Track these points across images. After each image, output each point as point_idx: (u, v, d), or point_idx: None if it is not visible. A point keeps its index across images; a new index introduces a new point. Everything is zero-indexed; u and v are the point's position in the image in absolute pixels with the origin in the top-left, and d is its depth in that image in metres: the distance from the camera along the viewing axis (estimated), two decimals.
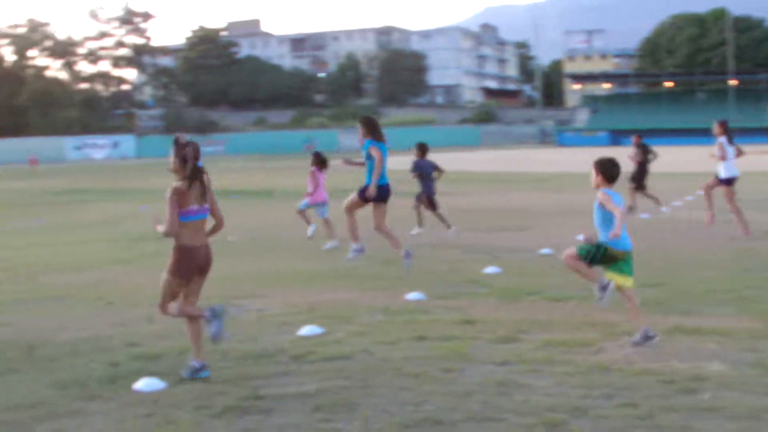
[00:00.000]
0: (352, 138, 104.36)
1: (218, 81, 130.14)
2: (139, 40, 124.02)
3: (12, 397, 7.83)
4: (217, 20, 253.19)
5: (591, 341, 9.05)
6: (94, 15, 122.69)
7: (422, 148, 19.27)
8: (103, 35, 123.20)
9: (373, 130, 14.05)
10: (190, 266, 8.31)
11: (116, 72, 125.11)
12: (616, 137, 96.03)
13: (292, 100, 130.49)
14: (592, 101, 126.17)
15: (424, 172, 18.99)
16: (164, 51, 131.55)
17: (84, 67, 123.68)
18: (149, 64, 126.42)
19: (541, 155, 75.08)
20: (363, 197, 13.97)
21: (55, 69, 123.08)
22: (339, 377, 8.00)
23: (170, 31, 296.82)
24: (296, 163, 66.37)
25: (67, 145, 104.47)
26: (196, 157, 8.18)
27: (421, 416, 6.86)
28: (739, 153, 18.09)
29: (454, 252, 16.22)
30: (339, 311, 10.91)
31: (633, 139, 23.94)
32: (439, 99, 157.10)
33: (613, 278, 8.99)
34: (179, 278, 8.31)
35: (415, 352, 8.80)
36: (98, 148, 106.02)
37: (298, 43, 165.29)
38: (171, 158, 8.14)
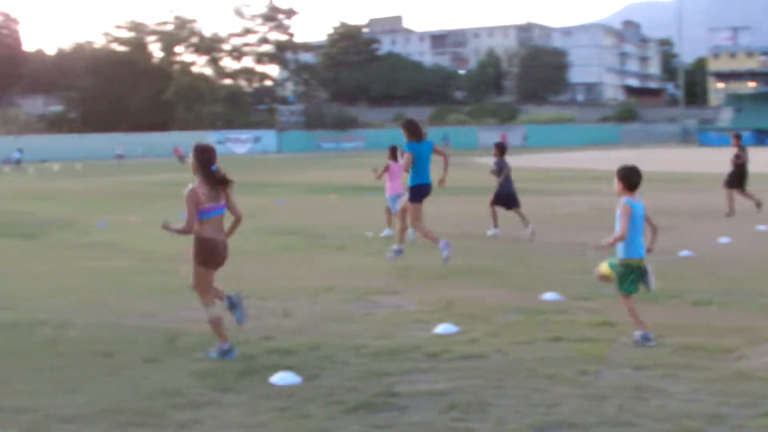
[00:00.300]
0: (490, 135, 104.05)
1: (358, 77, 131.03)
2: (282, 37, 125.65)
3: (152, 385, 8.00)
4: (359, 17, 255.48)
5: (731, 347, 8.77)
6: (238, 12, 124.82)
7: (500, 148, 19.52)
8: (247, 32, 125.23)
9: (414, 132, 14.60)
10: (215, 256, 9.05)
11: (259, 68, 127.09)
12: (761, 137, 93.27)
13: (432, 97, 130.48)
14: (736, 100, 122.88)
15: (504, 171, 19.15)
16: (306, 47, 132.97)
17: (228, 63, 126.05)
18: (291, 61, 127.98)
19: (682, 155, 73.46)
20: (412, 200, 14.63)
21: (200, 65, 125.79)
22: (473, 376, 7.93)
23: (312, 27, 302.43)
24: (433, 158, 66.40)
25: (211, 139, 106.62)
26: (211, 161, 8.95)
27: (554, 419, 6.74)
28: None
29: (593, 252, 15.93)
30: (475, 310, 10.82)
31: (732, 140, 23.08)
32: (580, 97, 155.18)
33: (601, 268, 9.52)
34: (206, 267, 9.04)
35: (550, 353, 8.67)
36: (240, 142, 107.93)
37: (438, 39, 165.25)
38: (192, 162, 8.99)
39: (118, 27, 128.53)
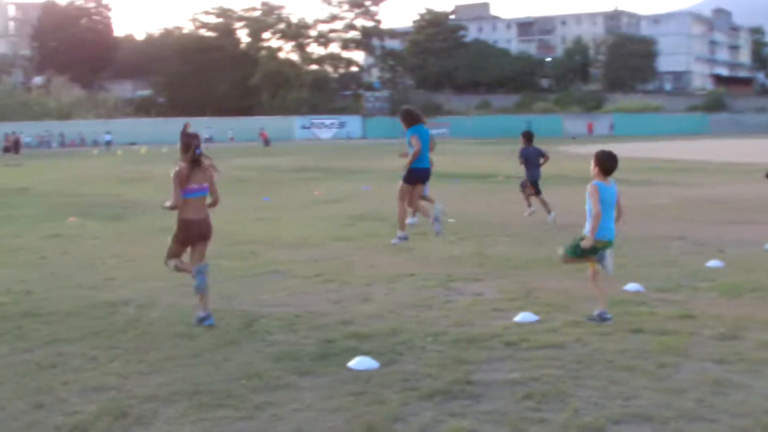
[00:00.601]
0: (575, 123, 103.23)
1: (444, 64, 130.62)
2: (369, 23, 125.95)
3: (231, 367, 8.09)
4: (445, 3, 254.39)
5: None
6: None
7: (527, 137, 19.93)
8: (333, 18, 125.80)
9: (411, 120, 15.44)
10: (189, 235, 10.09)
11: (345, 54, 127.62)
12: None
13: (517, 85, 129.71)
14: None
15: (529, 159, 19.68)
16: (392, 34, 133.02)
17: (314, 49, 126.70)
18: (377, 47, 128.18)
19: None
20: (406, 181, 15.40)
21: (286, 51, 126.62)
22: (551, 366, 7.87)
23: (398, 13, 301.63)
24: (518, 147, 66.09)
25: (296, 124, 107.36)
26: (197, 146, 9.95)
27: (631, 411, 6.66)
28: None
29: (677, 244, 15.72)
30: (555, 299, 10.74)
31: None
32: (668, 86, 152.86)
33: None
34: (178, 244, 10.19)
35: (630, 345, 8.56)
36: (325, 128, 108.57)
37: (525, 27, 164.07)
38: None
39: (207, 13, 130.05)
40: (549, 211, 19.19)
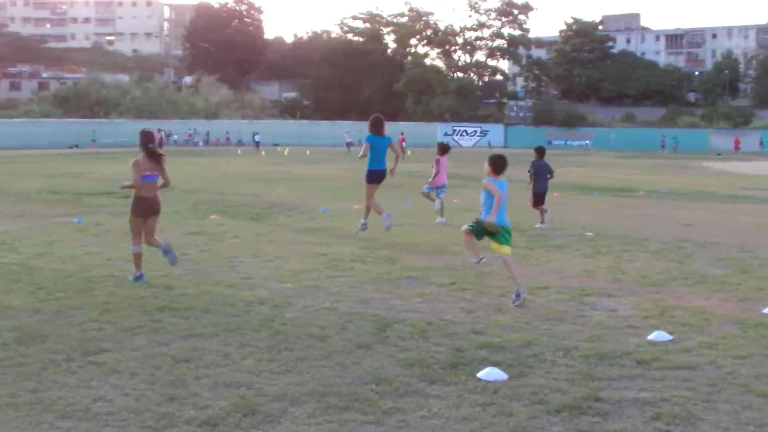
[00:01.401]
0: (722, 139, 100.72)
1: (590, 75, 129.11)
2: (516, 32, 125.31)
3: (361, 370, 8.16)
4: (593, 12, 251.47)
5: None
6: (473, 6, 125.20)
7: (540, 151, 21.84)
8: (481, 26, 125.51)
9: (372, 129, 18.24)
10: (144, 209, 13.03)
11: (491, 62, 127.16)
12: None
13: (664, 98, 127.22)
14: None
15: (539, 172, 21.18)
16: (538, 43, 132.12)
17: (460, 57, 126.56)
18: (523, 56, 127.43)
19: None
20: (368, 182, 18.39)
21: (432, 57, 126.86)
22: (682, 387, 7.70)
23: (545, 22, 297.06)
24: (661, 161, 64.99)
25: (439, 131, 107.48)
26: (151, 142, 13.15)
27: None
28: None
29: None
30: (690, 319, 10.51)
31: None
32: None
33: (493, 245, 12.20)
34: (137, 216, 13.07)
35: (766, 370, 8.33)
36: (467, 135, 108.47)
37: (674, 39, 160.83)
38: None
39: (355, 18, 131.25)
40: (542, 221, 20.61)
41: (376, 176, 18.33)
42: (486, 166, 12.11)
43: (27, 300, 11.30)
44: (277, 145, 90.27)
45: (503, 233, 11.98)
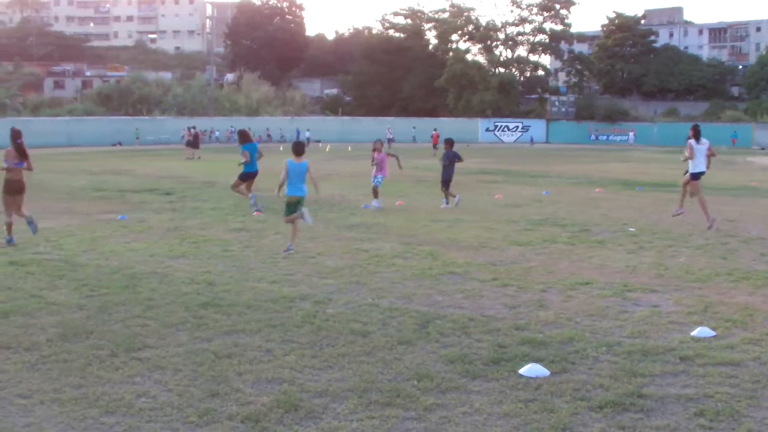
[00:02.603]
0: (767, 134, 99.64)
1: (632, 69, 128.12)
2: (557, 27, 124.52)
3: (403, 366, 8.17)
4: (635, 7, 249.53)
5: None
6: (515, 1, 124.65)
7: (449, 143, 24.99)
8: (522, 21, 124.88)
9: (243, 140, 23.99)
10: (11, 190, 16.48)
11: (532, 58, 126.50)
12: None
13: (707, 92, 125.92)
14: None
15: (448, 161, 24.38)
16: (580, 38, 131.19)
17: (501, 52, 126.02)
18: (565, 51, 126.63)
19: None
20: (241, 179, 23.25)
21: (473, 53, 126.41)
22: (726, 384, 7.65)
23: (587, 17, 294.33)
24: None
25: (481, 127, 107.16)
26: (18, 137, 16.58)
27: None
28: (711, 153, 20.30)
29: None
30: (735, 315, 10.42)
31: None
32: None
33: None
34: (6, 195, 16.48)
35: None
36: (509, 131, 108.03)
37: (718, 33, 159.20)
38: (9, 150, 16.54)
39: (396, 14, 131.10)
40: (447, 202, 24.23)
41: (249, 176, 23.08)
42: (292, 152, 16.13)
43: (71, 296, 11.41)
44: (318, 141, 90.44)
45: (298, 202, 15.92)
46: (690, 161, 20.04)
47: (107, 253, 15.23)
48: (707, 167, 20.39)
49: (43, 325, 9.75)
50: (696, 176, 20.02)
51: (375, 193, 24.17)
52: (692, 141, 20.08)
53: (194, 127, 62.77)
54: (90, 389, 7.45)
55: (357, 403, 7.11)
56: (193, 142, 56.36)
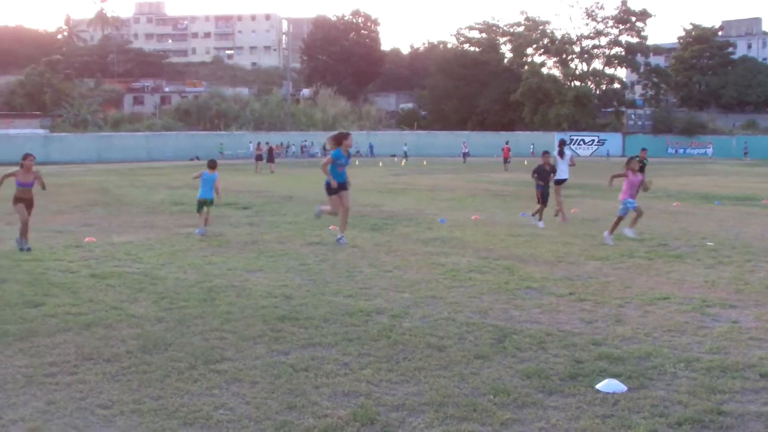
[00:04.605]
0: None
1: (710, 81, 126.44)
2: (633, 39, 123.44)
3: (479, 381, 8.17)
4: (712, 18, 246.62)
5: None
6: (590, 14, 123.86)
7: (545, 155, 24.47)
8: (598, 34, 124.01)
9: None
10: (21, 203, 18.03)
11: (608, 70, 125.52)
12: None
13: None
14: None
15: (542, 175, 23.54)
16: (657, 50, 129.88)
17: (577, 65, 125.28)
18: (641, 63, 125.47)
19: None
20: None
21: (549, 66, 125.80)
22: None
23: (664, 29, 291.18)
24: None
25: (556, 140, 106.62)
26: (28, 159, 18.06)
27: None
28: (572, 163, 25.53)
29: None
30: None
31: None
32: None
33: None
34: (15, 204, 18.15)
35: None
36: (585, 145, 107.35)
37: None
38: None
39: (471, 28, 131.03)
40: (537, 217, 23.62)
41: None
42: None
43: (151, 309, 11.59)
44: (394, 155, 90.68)
45: (205, 203, 20.80)
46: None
47: (186, 267, 15.44)
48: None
49: (123, 336, 9.92)
50: (559, 182, 24.63)
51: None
52: (556, 153, 25.40)
53: (267, 143, 63.61)
54: (169, 400, 7.57)
55: (433, 417, 7.13)
56: (269, 157, 57.10)
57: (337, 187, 19.08)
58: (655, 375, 8.36)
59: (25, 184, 17.99)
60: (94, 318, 10.95)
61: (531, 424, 6.99)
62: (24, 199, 18.06)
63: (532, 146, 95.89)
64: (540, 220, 23.03)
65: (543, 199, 23.42)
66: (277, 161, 60.74)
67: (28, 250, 17.47)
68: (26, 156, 18.19)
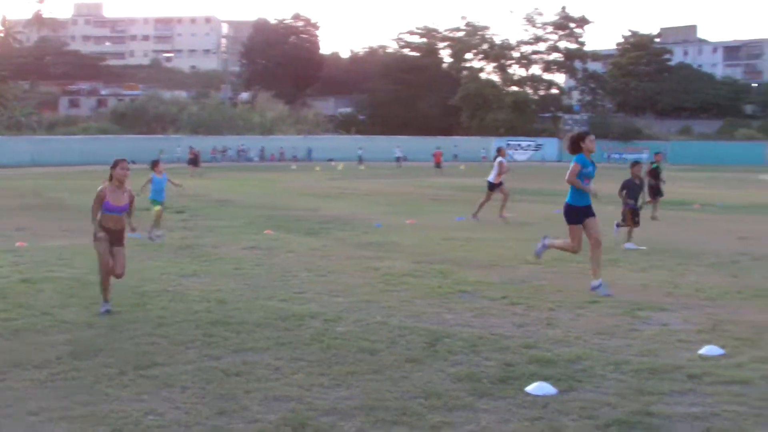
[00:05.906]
0: None
1: (647, 88, 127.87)
2: (572, 45, 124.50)
3: (409, 385, 8.19)
4: (650, 26, 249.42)
5: None
6: (530, 20, 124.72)
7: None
8: (537, 40, 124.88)
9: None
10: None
11: (546, 76, 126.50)
12: None
13: (721, 110, 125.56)
14: None
15: (631, 192, 20.84)
16: (595, 56, 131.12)
17: (516, 71, 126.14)
18: (579, 69, 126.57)
19: None
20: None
21: (488, 72, 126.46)
22: (734, 402, 7.64)
23: (601, 35, 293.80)
24: (717, 174, 64.23)
25: (494, 145, 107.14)
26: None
27: None
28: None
29: None
30: (743, 333, 10.40)
31: None
32: None
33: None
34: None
35: None
36: (521, 149, 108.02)
37: (732, 51, 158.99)
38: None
39: (411, 33, 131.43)
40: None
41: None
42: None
43: (82, 314, 11.49)
44: (331, 160, 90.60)
45: (158, 203, 21.17)
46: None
47: None
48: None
49: (53, 342, 9.81)
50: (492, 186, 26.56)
51: None
52: (501, 159, 27.10)
53: (193, 148, 64.28)
54: (98, 407, 7.49)
55: (365, 421, 7.14)
56: (194, 161, 57.88)
57: (580, 213, 13.73)
58: (585, 377, 8.44)
59: None
60: (24, 324, 10.82)
61: (462, 427, 7.01)
62: None
63: (483, 150, 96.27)
64: (629, 240, 20.06)
65: (633, 217, 20.43)
66: (217, 165, 60.65)
67: None
68: None
